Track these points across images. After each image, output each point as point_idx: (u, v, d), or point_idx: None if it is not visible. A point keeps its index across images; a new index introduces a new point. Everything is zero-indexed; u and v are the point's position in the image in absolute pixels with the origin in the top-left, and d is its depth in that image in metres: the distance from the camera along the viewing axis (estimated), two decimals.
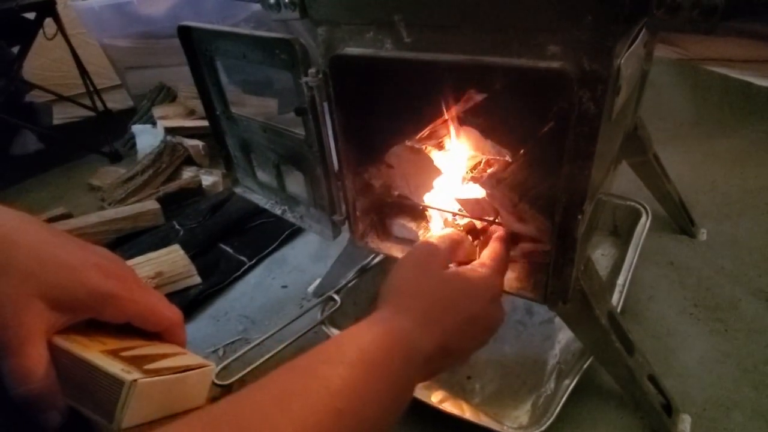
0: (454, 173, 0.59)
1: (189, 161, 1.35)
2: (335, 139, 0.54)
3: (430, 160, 0.57)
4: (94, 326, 0.36)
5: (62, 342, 0.34)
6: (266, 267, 0.97)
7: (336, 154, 0.56)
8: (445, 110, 0.56)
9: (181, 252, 0.95)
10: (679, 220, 0.90)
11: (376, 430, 0.33)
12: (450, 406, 0.58)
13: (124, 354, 0.34)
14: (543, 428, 0.54)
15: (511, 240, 0.53)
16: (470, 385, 0.66)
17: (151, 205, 1.13)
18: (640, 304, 0.76)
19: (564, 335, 0.70)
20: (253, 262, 0.98)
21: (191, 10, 1.57)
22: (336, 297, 0.72)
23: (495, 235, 0.52)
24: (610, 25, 0.34)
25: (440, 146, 0.60)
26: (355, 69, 0.50)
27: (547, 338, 0.71)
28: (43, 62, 1.74)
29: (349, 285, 0.76)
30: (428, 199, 0.59)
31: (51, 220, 1.11)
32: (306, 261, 0.97)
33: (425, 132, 0.59)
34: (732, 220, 0.94)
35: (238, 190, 0.75)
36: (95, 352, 0.33)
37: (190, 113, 1.50)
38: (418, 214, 0.63)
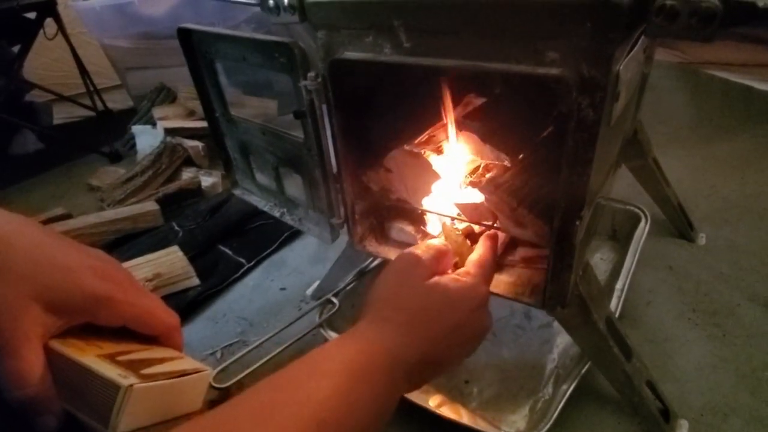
0: (452, 178, 0.59)
1: (189, 162, 1.35)
2: (334, 142, 0.54)
3: (429, 165, 0.57)
4: (90, 330, 0.36)
5: (58, 346, 0.34)
6: (265, 269, 0.97)
7: (335, 157, 0.56)
8: (443, 115, 0.56)
9: (180, 253, 0.95)
10: (678, 225, 0.90)
11: None
12: (447, 411, 0.58)
13: (120, 358, 0.34)
14: None
15: (509, 244, 0.53)
16: (468, 389, 0.66)
17: (151, 206, 1.13)
18: (639, 308, 0.76)
19: (562, 339, 0.70)
20: (251, 263, 0.97)
21: (192, 11, 1.57)
22: (334, 300, 0.72)
23: (482, 238, 0.52)
24: (609, 32, 0.34)
25: (439, 150, 0.60)
26: (354, 73, 0.50)
27: (546, 342, 0.71)
28: (44, 62, 1.74)
29: (348, 288, 0.76)
30: (427, 203, 0.59)
31: (50, 220, 1.11)
32: (305, 263, 0.97)
33: (424, 136, 0.60)
34: (731, 224, 0.94)
35: (237, 192, 0.75)
36: (91, 356, 0.33)
37: (190, 114, 1.50)
38: (417, 218, 0.63)
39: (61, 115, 1.81)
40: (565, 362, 0.67)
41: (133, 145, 1.52)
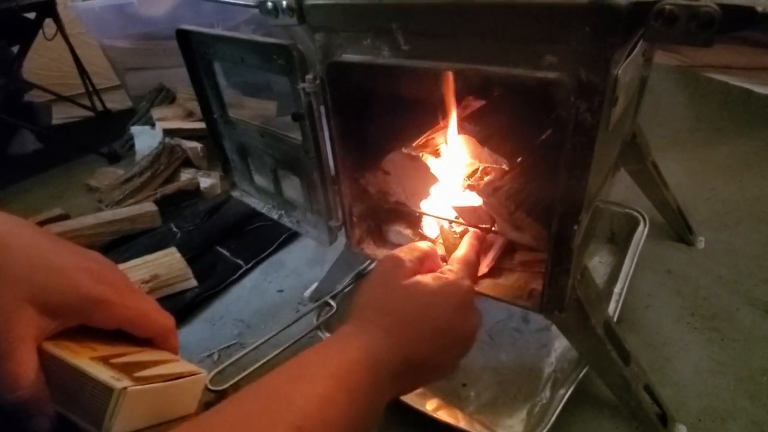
0: (450, 181, 0.58)
1: (187, 163, 1.35)
2: (332, 144, 0.54)
3: (427, 168, 0.57)
4: (85, 332, 0.36)
5: (52, 348, 0.33)
6: (263, 271, 0.97)
7: (333, 159, 0.55)
8: (441, 118, 0.56)
9: (178, 255, 0.94)
10: (677, 228, 0.90)
11: None
12: (444, 415, 0.58)
13: (114, 361, 0.34)
14: None
15: (507, 248, 0.53)
16: (465, 392, 0.65)
17: (149, 207, 1.13)
18: (637, 312, 0.76)
19: (560, 343, 0.70)
20: (249, 265, 0.97)
21: (191, 12, 1.57)
22: (332, 302, 0.72)
23: (467, 236, 0.52)
24: (607, 37, 0.34)
25: (437, 153, 0.60)
26: (352, 75, 0.50)
27: (543, 346, 0.71)
28: (43, 62, 1.74)
29: (346, 290, 0.75)
30: (425, 206, 0.59)
31: (48, 220, 1.11)
32: (303, 265, 0.97)
33: (422, 139, 0.59)
34: (730, 228, 0.94)
35: (235, 193, 0.75)
36: (85, 359, 0.33)
37: (189, 115, 1.50)
38: (415, 221, 0.63)
39: (60, 115, 1.81)
40: (562, 366, 0.66)
41: (132, 146, 1.52)
